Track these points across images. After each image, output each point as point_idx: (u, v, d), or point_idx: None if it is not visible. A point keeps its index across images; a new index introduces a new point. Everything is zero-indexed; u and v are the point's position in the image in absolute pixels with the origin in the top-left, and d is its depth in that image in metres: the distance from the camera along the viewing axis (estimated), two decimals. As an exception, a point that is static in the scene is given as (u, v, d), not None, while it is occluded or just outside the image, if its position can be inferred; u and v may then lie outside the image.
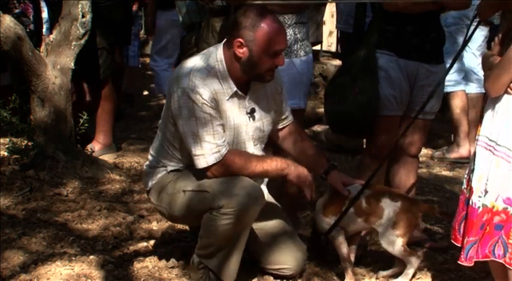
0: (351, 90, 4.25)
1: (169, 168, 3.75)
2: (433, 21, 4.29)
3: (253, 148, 3.77)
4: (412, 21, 4.21)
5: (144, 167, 3.93)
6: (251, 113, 3.71)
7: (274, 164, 3.67)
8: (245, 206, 3.48)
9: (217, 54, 3.62)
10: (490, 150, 3.27)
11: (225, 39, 3.71)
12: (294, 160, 3.80)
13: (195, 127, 3.51)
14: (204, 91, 3.51)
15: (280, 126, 3.98)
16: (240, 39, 3.54)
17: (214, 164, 3.54)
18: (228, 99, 3.61)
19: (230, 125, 3.64)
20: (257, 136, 3.78)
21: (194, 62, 3.63)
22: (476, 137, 3.39)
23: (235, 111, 3.65)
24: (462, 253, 3.33)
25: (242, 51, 3.56)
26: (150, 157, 3.86)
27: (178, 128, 3.57)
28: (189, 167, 3.69)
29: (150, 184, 3.83)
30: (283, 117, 3.96)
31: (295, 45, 4.28)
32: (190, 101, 3.49)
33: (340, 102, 4.30)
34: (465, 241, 3.33)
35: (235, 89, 3.62)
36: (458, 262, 3.35)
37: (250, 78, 3.66)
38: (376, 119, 4.25)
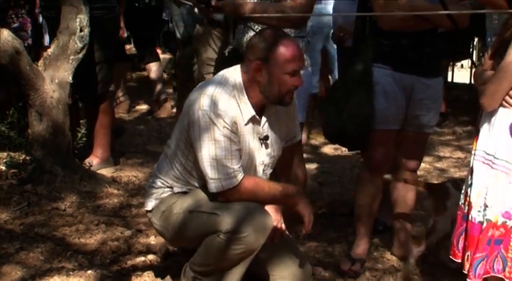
0: (346, 104, 4.25)
1: (176, 189, 3.71)
2: (428, 37, 4.29)
3: (262, 173, 3.74)
4: (407, 36, 4.22)
5: (147, 187, 3.88)
6: (264, 139, 3.68)
7: (285, 192, 3.64)
8: (256, 233, 3.45)
9: (235, 77, 3.60)
10: (488, 164, 3.27)
11: (241, 63, 3.70)
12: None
13: (214, 150, 3.47)
14: (226, 115, 3.48)
15: (285, 145, 3.93)
16: (258, 62, 3.53)
17: (228, 189, 3.51)
18: (245, 124, 3.58)
19: (245, 150, 3.61)
20: (267, 162, 3.75)
21: (215, 85, 3.59)
22: (473, 152, 3.38)
23: (251, 137, 3.62)
24: (470, 270, 3.30)
25: (261, 74, 3.55)
26: (154, 177, 3.81)
27: (195, 150, 3.52)
28: (197, 189, 3.68)
29: (153, 203, 3.77)
30: (291, 136, 3.92)
31: (294, 59, 4.27)
32: (211, 124, 3.45)
33: (335, 116, 4.30)
34: (467, 256, 3.31)
35: (253, 113, 3.58)
36: (468, 279, 3.33)
37: (270, 102, 3.62)
38: (371, 133, 4.26)
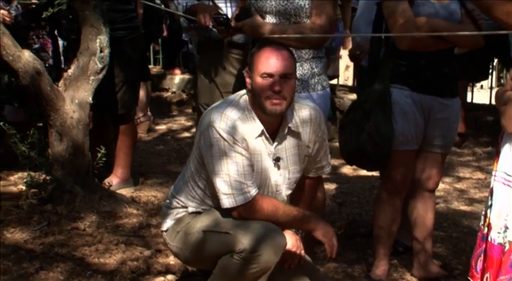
0: (365, 125, 4.24)
1: (190, 209, 3.71)
2: (445, 57, 4.29)
3: (276, 193, 3.73)
4: (425, 56, 4.22)
5: (164, 207, 3.90)
6: (276, 161, 3.67)
7: (301, 216, 3.64)
8: (269, 251, 3.43)
9: (246, 97, 3.64)
10: (508, 185, 3.25)
11: None
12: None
13: (226, 166, 3.47)
14: (236, 131, 3.50)
15: (310, 174, 3.91)
16: (247, 69, 3.62)
17: (241, 205, 3.49)
18: (256, 138, 3.58)
19: (258, 168, 3.61)
20: (280, 182, 3.73)
21: (227, 103, 3.64)
22: (493, 173, 3.37)
23: (263, 155, 3.62)
24: None
25: (249, 82, 3.60)
26: (170, 197, 3.82)
27: (207, 167, 3.54)
28: (211, 209, 3.68)
29: (168, 224, 3.79)
30: (317, 165, 3.89)
31: (313, 80, 4.28)
32: (222, 140, 3.47)
33: (354, 137, 4.29)
34: (486, 278, 3.29)
35: (261, 127, 3.58)
36: None
37: (261, 111, 3.58)
38: (390, 154, 4.25)
